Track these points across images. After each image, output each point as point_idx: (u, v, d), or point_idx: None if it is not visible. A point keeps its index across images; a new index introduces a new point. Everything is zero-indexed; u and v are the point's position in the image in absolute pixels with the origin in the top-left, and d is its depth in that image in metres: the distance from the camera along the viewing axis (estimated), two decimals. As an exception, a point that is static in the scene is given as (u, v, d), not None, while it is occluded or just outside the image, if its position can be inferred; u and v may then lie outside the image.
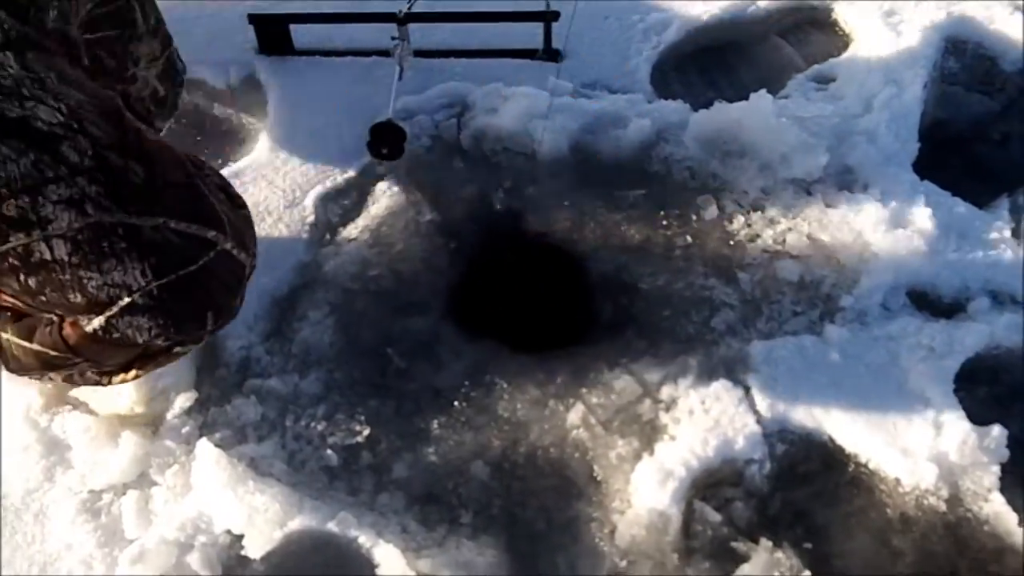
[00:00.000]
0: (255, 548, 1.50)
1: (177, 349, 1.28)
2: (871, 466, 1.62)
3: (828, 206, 1.87)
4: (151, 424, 1.64)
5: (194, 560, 1.48)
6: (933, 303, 1.79)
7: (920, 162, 1.93)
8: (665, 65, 2.14)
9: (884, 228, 1.81)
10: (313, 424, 1.66)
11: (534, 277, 1.89)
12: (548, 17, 2.03)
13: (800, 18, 2.22)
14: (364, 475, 1.62)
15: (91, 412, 1.65)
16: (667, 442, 1.63)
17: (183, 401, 1.65)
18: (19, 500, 1.58)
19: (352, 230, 1.87)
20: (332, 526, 1.52)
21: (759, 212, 1.88)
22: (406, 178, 1.94)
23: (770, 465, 1.62)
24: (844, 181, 1.90)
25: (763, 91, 1.94)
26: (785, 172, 1.90)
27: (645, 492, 1.57)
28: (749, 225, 1.87)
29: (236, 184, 1.88)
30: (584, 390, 1.70)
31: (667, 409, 1.67)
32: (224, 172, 1.95)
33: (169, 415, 1.64)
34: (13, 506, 1.57)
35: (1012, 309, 1.77)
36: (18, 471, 1.60)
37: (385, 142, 1.87)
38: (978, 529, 1.59)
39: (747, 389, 1.68)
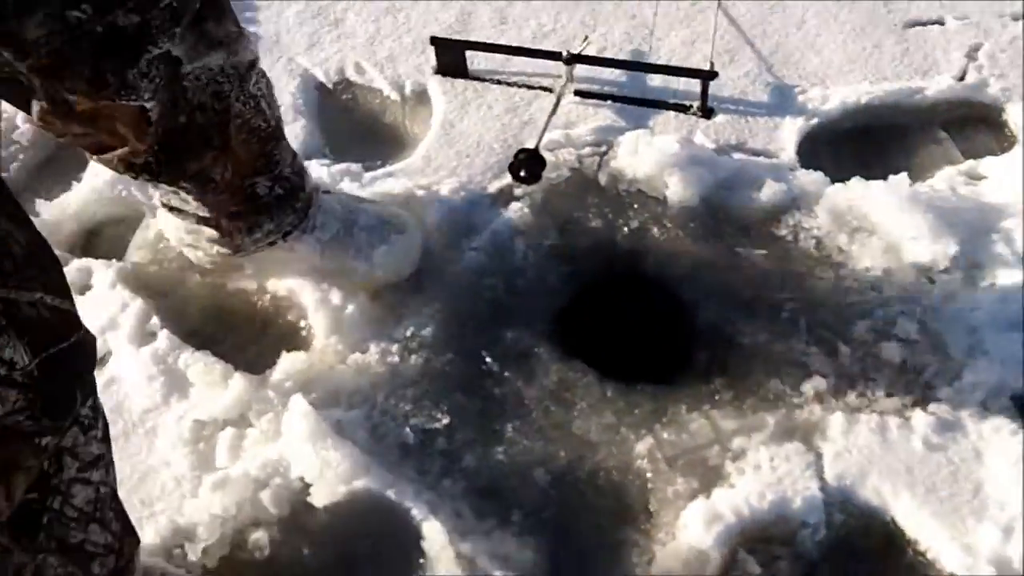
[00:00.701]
0: (320, 498, 1.68)
1: (39, 440, 1.06)
2: (929, 556, 1.63)
3: (947, 297, 1.88)
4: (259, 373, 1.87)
5: (266, 497, 1.68)
6: (1038, 413, 1.77)
7: (1057, 272, 1.91)
8: (818, 138, 2.21)
9: (1002, 329, 1.81)
10: (401, 404, 1.83)
11: (640, 314, 2.00)
12: (707, 75, 2.16)
13: (968, 113, 2.24)
14: (435, 458, 1.77)
15: (213, 355, 1.89)
16: (726, 488, 1.69)
17: (292, 361, 1.86)
18: (136, 417, 1.83)
19: (478, 239, 2.05)
20: (392, 494, 1.68)
21: (876, 291, 1.92)
22: (540, 203, 2.11)
23: (825, 533, 1.65)
24: (970, 276, 1.90)
25: (903, 174, 1.99)
26: (910, 256, 1.93)
27: (691, 530, 1.64)
28: (864, 302, 1.91)
29: (386, 183, 2.12)
30: (659, 425, 1.79)
31: (734, 459, 1.74)
32: (379, 171, 2.19)
33: (276, 371, 1.86)
34: (131, 420, 1.83)
35: (1122, 436, 1.73)
36: (141, 394, 1.86)
37: (525, 166, 2.04)
38: (1030, 645, 1.56)
39: (819, 456, 1.72)
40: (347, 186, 2.13)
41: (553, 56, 2.23)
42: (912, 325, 1.86)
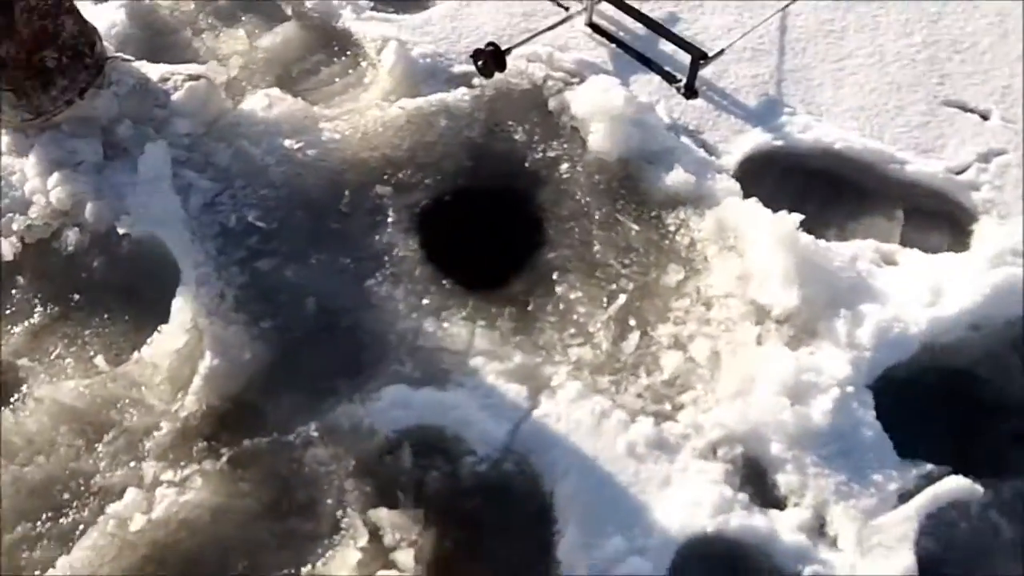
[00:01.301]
0: (128, 228, 1.87)
1: None
2: (556, 538, 1.58)
3: (758, 341, 1.76)
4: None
5: (91, 209, 1.88)
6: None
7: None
8: (774, 161, 2.06)
9: (776, 393, 1.67)
10: (250, 196, 1.95)
11: (502, 229, 1.99)
12: (697, 55, 2.05)
13: (939, 208, 2.01)
14: (239, 249, 1.89)
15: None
16: (434, 389, 1.71)
17: (185, 124, 2.02)
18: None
19: (412, 103, 2.09)
20: (180, 253, 1.84)
21: (703, 307, 1.82)
22: (485, 99, 2.12)
23: (486, 469, 1.64)
24: (796, 337, 1.76)
25: (796, 215, 1.84)
26: (755, 291, 1.80)
27: (380, 404, 1.68)
28: (685, 311, 1.82)
29: (380, 27, 2.21)
30: (431, 317, 1.81)
31: (464, 373, 1.74)
32: (379, 15, 2.29)
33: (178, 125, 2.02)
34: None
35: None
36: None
37: (483, 58, 2.05)
38: None
39: (533, 408, 1.69)
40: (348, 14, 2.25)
41: (581, -19, 2.19)
42: (706, 349, 1.76)
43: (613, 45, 2.21)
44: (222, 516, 1.60)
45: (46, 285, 1.86)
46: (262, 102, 2.04)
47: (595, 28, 2.24)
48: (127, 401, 1.71)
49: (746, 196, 1.96)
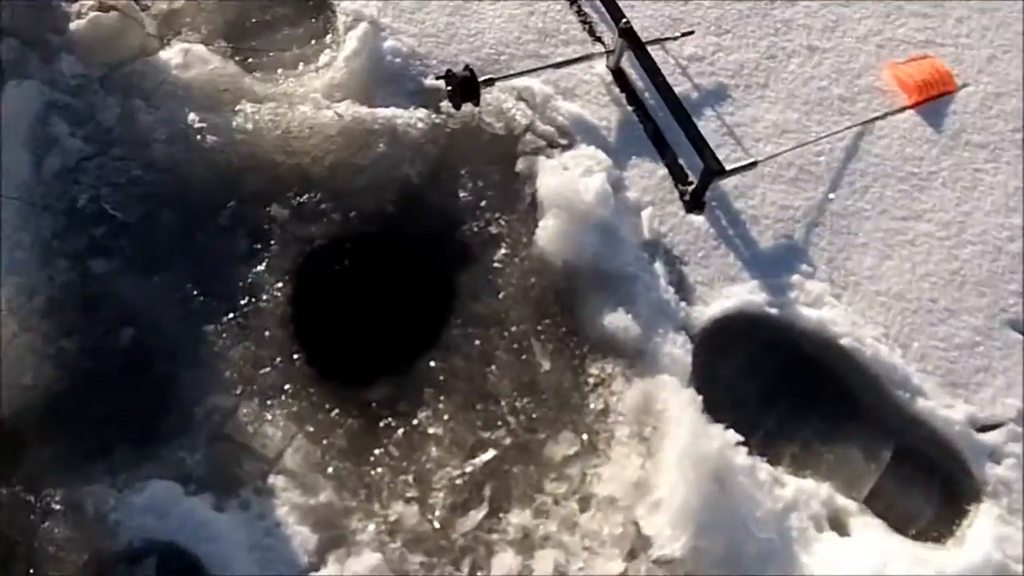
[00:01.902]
0: None
1: None
2: None
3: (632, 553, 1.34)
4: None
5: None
6: None
7: None
8: (763, 336, 1.55)
9: None
10: (121, 178, 1.57)
11: (402, 306, 1.56)
12: (709, 164, 1.54)
13: (938, 460, 1.49)
14: (79, 237, 1.52)
15: None
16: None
17: (78, 62, 1.63)
18: None
19: (355, 107, 1.65)
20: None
21: (578, 505, 1.39)
22: (443, 135, 1.66)
23: None
24: None
25: (733, 435, 1.37)
26: (643, 515, 1.36)
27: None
28: (554, 501, 1.40)
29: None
30: (265, 376, 1.45)
31: (264, 471, 1.37)
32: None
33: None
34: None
35: None
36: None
37: (451, 82, 1.58)
38: None
39: (324, 556, 1.32)
40: None
41: (616, 17, 1.67)
42: (551, 567, 1.34)
43: (630, 108, 1.70)
44: (-79, 568, 1.32)
45: None
46: (178, 58, 1.62)
47: (618, 76, 1.72)
48: None
49: (706, 366, 1.50)
